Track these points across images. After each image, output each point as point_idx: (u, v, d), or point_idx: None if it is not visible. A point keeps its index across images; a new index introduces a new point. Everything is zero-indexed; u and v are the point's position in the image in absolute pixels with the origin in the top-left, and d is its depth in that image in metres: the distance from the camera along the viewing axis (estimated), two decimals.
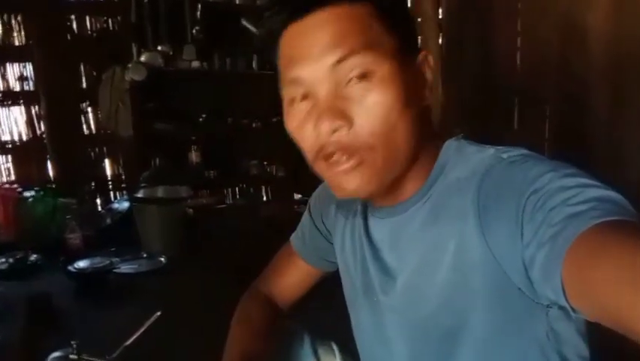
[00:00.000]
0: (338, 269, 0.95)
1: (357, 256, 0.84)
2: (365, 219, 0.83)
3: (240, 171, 3.89)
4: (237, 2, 3.92)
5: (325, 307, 1.03)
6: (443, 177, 0.72)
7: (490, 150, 0.69)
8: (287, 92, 0.69)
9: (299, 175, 4.11)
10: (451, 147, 0.73)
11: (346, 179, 0.67)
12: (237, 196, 3.93)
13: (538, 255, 0.53)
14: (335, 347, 1.02)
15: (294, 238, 1.05)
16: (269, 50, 0.70)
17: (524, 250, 0.56)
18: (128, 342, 1.25)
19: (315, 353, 0.99)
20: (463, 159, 0.71)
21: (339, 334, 1.01)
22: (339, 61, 0.62)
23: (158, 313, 1.34)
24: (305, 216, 1.03)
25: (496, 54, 2.69)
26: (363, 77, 0.63)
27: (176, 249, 2.46)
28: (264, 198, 4.13)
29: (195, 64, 3.61)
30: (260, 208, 3.71)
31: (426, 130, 0.71)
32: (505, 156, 0.67)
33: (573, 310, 0.51)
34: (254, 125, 3.88)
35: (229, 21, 3.79)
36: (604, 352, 0.77)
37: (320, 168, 0.69)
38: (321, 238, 0.99)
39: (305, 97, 0.67)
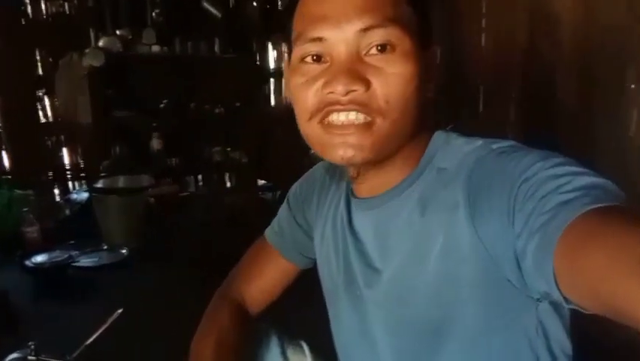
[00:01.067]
0: (314, 267, 0.93)
1: (340, 249, 0.83)
2: (348, 210, 0.81)
3: (202, 158, 3.85)
4: None
5: (294, 306, 1.02)
6: (431, 168, 0.71)
7: (479, 142, 0.70)
8: (301, 49, 0.68)
9: (262, 161, 4.11)
10: (440, 139, 0.74)
11: (352, 139, 0.66)
12: (200, 184, 3.89)
13: (530, 244, 0.53)
14: (305, 346, 1.00)
15: (270, 233, 1.02)
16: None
17: (516, 240, 0.56)
18: (89, 341, 1.23)
19: (284, 353, 0.97)
20: (452, 150, 0.71)
21: (308, 333, 1.01)
22: (367, 29, 0.63)
23: (120, 311, 1.33)
24: (283, 210, 1.01)
25: (462, 40, 2.71)
26: (386, 48, 0.64)
27: (138, 240, 2.44)
28: (227, 186, 4.10)
29: (155, 48, 3.54)
30: (223, 196, 3.69)
31: (423, 120, 0.71)
32: (494, 146, 0.67)
33: (566, 300, 0.50)
34: (217, 110, 3.83)
35: (190, 3, 3.72)
36: (584, 349, 0.77)
37: (313, 129, 0.69)
38: (300, 232, 0.97)
39: (319, 58, 0.67)
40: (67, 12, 3.37)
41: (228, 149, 3.93)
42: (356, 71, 0.64)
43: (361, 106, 0.64)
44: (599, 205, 0.48)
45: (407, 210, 0.71)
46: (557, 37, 2.25)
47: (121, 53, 3.35)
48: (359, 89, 0.63)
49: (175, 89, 3.69)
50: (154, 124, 3.56)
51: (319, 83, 0.66)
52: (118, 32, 3.42)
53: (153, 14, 3.61)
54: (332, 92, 0.64)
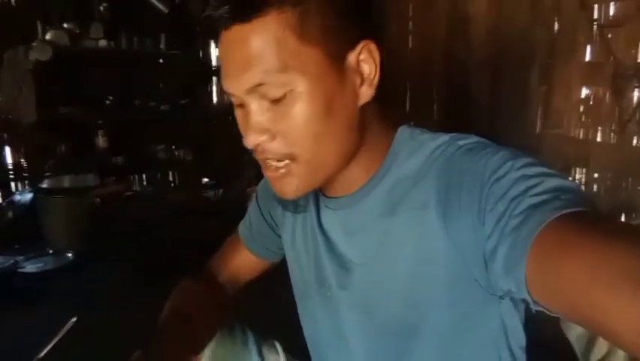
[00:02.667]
0: (283, 267, 0.93)
1: (310, 250, 0.81)
2: (317, 211, 0.80)
3: (147, 156, 3.82)
4: None
5: (267, 306, 1.03)
6: (397, 166, 0.70)
7: (445, 137, 0.68)
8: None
9: (206, 159, 4.13)
10: (404, 134, 0.72)
11: (280, 184, 0.68)
12: (144, 183, 3.88)
13: (501, 246, 0.52)
14: (278, 346, 1.00)
15: (242, 226, 1.02)
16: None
17: (486, 240, 0.55)
18: (42, 354, 1.20)
19: (260, 352, 0.97)
20: (418, 147, 0.69)
21: (281, 333, 1.01)
22: (254, 87, 0.61)
23: (74, 320, 1.31)
24: (252, 205, 1.00)
25: (389, 40, 2.79)
26: (282, 97, 0.61)
27: (83, 242, 2.43)
28: (172, 184, 4.09)
29: (102, 43, 3.48)
30: (168, 195, 3.69)
31: (373, 123, 0.70)
32: (461, 143, 0.66)
33: (534, 302, 0.50)
34: (162, 107, 3.81)
35: None
36: (536, 340, 0.78)
37: (260, 164, 0.70)
38: (267, 228, 0.97)
39: (240, 105, 0.66)
40: (13, 3, 3.26)
41: (173, 147, 3.93)
42: (259, 124, 0.63)
43: (272, 154, 0.65)
44: (571, 210, 0.48)
45: (376, 210, 0.70)
46: (471, 39, 2.40)
47: (69, 47, 3.28)
48: (265, 140, 0.63)
49: (121, 85, 3.65)
50: (100, 121, 3.51)
51: (244, 130, 0.66)
52: (65, 26, 3.34)
53: (100, 8, 3.54)
54: None
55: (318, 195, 0.79)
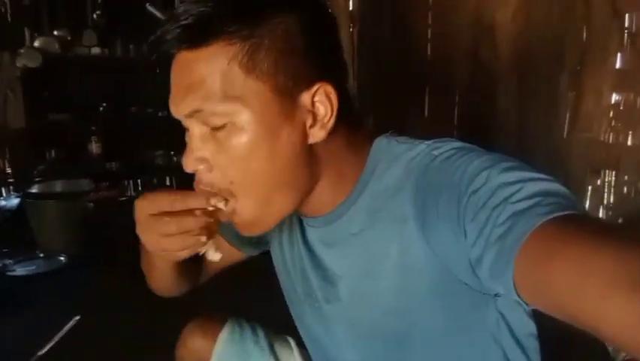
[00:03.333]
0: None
1: (296, 261, 0.81)
2: (301, 226, 0.79)
3: (144, 161, 3.80)
4: None
5: (275, 305, 0.97)
6: (375, 180, 0.69)
7: (421, 146, 0.67)
8: None
9: None
10: (381, 147, 0.70)
11: (241, 230, 0.66)
12: (140, 188, 3.84)
13: (486, 255, 0.52)
14: (291, 341, 0.99)
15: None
16: None
17: (470, 249, 0.55)
18: (43, 351, 1.18)
19: (272, 347, 0.97)
20: (395, 159, 0.68)
21: (292, 328, 0.97)
22: (194, 112, 0.60)
23: (77, 318, 1.26)
24: None
25: (408, 45, 2.81)
26: (221, 127, 0.60)
27: (77, 246, 2.39)
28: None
29: (96, 50, 3.47)
30: None
31: (336, 151, 0.68)
32: (436, 152, 0.64)
33: (526, 303, 0.50)
34: (160, 114, 3.77)
35: (133, 6, 3.66)
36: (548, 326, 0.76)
37: None
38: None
39: (186, 128, 0.64)
40: (1, 10, 3.24)
41: (171, 152, 3.90)
42: (199, 149, 0.61)
43: (210, 186, 0.62)
44: (556, 215, 0.47)
45: (357, 224, 0.70)
46: (497, 46, 2.40)
47: (59, 54, 3.26)
48: (202, 170, 0.62)
49: (116, 91, 3.62)
50: (93, 128, 3.48)
51: None
52: (56, 33, 3.33)
53: (94, 15, 3.53)
54: None
55: (300, 214, 0.77)
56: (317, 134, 0.63)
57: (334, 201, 0.70)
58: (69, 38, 3.38)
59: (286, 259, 0.84)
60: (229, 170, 0.61)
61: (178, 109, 0.62)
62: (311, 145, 0.64)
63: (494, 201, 0.52)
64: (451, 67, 2.60)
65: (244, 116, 0.59)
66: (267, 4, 0.60)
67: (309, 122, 0.63)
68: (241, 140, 0.60)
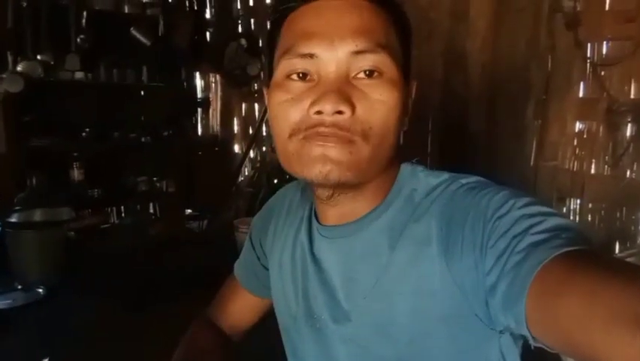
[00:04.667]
0: None
1: (298, 278, 0.79)
2: (310, 237, 0.78)
3: (127, 188, 3.75)
4: (126, 11, 3.79)
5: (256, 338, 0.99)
6: (400, 200, 0.71)
7: (446, 175, 0.71)
8: (288, 64, 0.66)
9: (190, 190, 4.05)
10: (407, 171, 0.74)
11: (330, 149, 0.63)
12: (123, 215, 3.77)
13: (501, 283, 0.53)
14: None
15: (237, 267, 1.00)
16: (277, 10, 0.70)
17: (486, 276, 0.56)
18: None
19: None
20: (420, 183, 0.71)
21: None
22: (359, 52, 0.63)
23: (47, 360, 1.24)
24: (246, 242, 0.98)
25: None
26: (374, 73, 0.64)
27: (57, 278, 2.31)
28: (153, 216, 4.00)
29: (79, 75, 3.45)
30: (148, 226, 3.59)
31: (397, 151, 0.71)
32: (464, 181, 0.68)
33: (534, 338, 0.51)
34: (143, 139, 3.77)
35: (117, 30, 3.65)
36: None
37: (294, 145, 0.66)
38: (258, 265, 0.94)
39: (305, 75, 0.65)
40: None
41: (155, 178, 3.85)
42: (344, 92, 0.63)
43: (344, 130, 0.63)
44: (571, 248, 0.49)
45: (375, 242, 0.70)
46: (469, 75, 2.48)
47: (41, 78, 3.23)
48: (345, 112, 0.62)
49: (99, 116, 3.60)
50: (75, 153, 3.43)
51: (306, 102, 0.64)
52: (39, 57, 3.29)
53: (78, 40, 3.50)
54: (319, 112, 0.63)
55: (312, 221, 0.79)
56: (406, 124, 0.72)
57: (359, 211, 0.72)
58: (52, 63, 3.35)
59: (286, 278, 0.83)
60: (371, 116, 0.64)
61: (345, 45, 0.63)
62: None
63: (515, 230, 0.55)
64: (425, 94, 2.63)
65: (394, 71, 0.65)
66: None
67: (408, 108, 0.71)
68: (389, 91, 0.64)
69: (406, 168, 0.74)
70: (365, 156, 0.64)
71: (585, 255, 0.49)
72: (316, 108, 0.63)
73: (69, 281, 2.29)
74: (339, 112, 0.62)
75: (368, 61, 0.63)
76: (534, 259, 0.50)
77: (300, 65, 0.65)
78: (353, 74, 0.64)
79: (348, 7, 0.64)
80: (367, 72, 0.64)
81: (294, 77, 0.66)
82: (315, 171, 0.64)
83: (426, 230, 0.66)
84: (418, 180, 0.72)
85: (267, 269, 0.91)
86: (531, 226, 0.54)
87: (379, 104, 0.64)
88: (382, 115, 0.64)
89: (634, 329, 0.39)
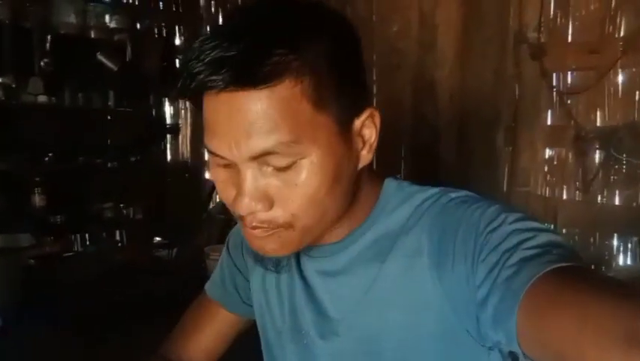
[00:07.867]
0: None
1: (284, 294, 0.78)
2: (296, 255, 0.75)
3: (91, 214, 3.64)
4: (92, 36, 3.74)
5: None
6: (385, 216, 0.69)
7: (434, 189, 0.69)
8: (210, 152, 0.61)
9: (159, 217, 3.96)
10: (392, 186, 0.71)
11: (261, 242, 0.62)
12: (87, 242, 3.66)
13: (492, 297, 0.53)
14: None
15: (210, 286, 0.95)
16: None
17: (477, 290, 0.56)
18: None
19: None
20: (407, 198, 0.69)
21: None
22: (261, 155, 0.56)
23: None
24: (223, 257, 0.94)
25: None
26: (287, 167, 0.57)
27: (14, 308, 2.21)
28: (119, 244, 3.90)
29: (42, 98, 3.35)
30: (114, 254, 3.49)
31: (363, 180, 0.68)
32: (453, 195, 0.67)
33: (524, 354, 0.50)
34: (109, 165, 3.68)
35: (83, 54, 3.59)
36: None
37: (237, 221, 0.65)
38: (241, 278, 0.90)
39: (226, 166, 0.60)
40: None
41: (122, 205, 3.76)
42: (259, 188, 0.58)
43: (267, 223, 0.60)
44: (563, 265, 0.49)
45: (363, 256, 0.69)
46: (438, 102, 2.52)
47: (2, 101, 3.15)
48: (261, 210, 0.59)
49: (63, 141, 3.50)
50: (37, 178, 3.33)
51: (231, 191, 0.61)
52: (0, 80, 3.20)
53: (42, 63, 3.43)
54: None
55: None
56: (366, 157, 0.65)
57: (344, 232, 0.70)
58: (13, 85, 3.26)
59: (270, 293, 0.81)
60: (293, 205, 0.59)
61: (241, 151, 0.56)
62: (355, 173, 0.65)
63: (507, 244, 0.54)
64: (397, 121, 2.68)
65: (314, 154, 0.57)
66: (305, 28, 0.57)
67: (360, 146, 0.63)
68: (310, 176, 0.58)
69: (390, 184, 0.71)
70: (296, 239, 0.63)
71: (576, 271, 0.49)
72: (234, 209, 0.61)
73: (28, 312, 2.21)
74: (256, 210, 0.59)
75: (275, 158, 0.56)
76: (525, 274, 0.50)
77: (218, 160, 0.61)
78: (267, 167, 0.58)
79: (245, 101, 0.54)
80: (279, 168, 0.57)
81: (219, 162, 0.61)
82: (257, 249, 0.65)
83: (417, 242, 0.65)
84: (405, 193, 0.70)
85: (248, 281, 0.88)
86: (523, 241, 0.54)
87: (300, 190, 0.58)
88: (306, 200, 0.59)
89: (625, 346, 0.39)
